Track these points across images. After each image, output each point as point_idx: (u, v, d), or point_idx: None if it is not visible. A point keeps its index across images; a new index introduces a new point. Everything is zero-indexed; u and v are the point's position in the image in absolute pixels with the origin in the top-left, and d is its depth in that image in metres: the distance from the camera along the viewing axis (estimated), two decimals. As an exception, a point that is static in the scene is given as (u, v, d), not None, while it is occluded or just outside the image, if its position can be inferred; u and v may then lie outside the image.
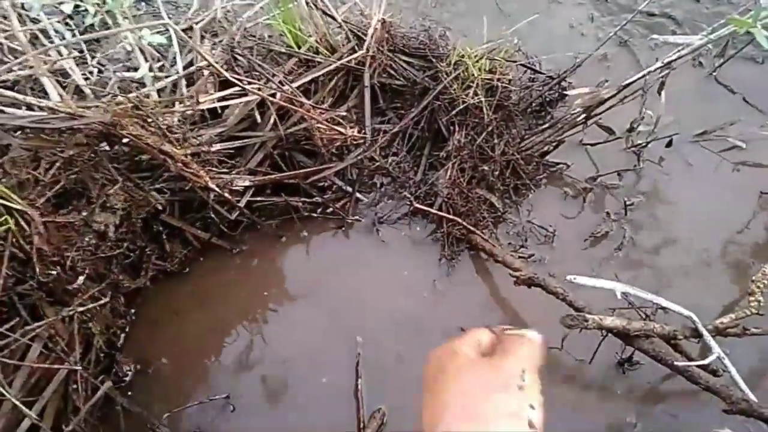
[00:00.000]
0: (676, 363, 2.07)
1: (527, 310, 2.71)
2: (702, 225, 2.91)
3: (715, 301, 2.62)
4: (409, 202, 2.96)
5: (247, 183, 2.82)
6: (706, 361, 2.08)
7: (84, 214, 2.43)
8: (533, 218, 3.01)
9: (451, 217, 2.88)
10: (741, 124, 3.20)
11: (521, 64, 3.39)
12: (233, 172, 2.82)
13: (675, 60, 2.71)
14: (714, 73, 3.49)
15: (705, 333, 2.14)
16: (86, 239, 2.42)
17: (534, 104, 3.34)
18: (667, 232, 2.92)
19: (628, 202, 2.98)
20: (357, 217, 3.06)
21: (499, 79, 3.09)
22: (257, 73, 2.93)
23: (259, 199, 2.94)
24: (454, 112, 3.06)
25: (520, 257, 2.84)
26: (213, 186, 2.61)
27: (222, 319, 2.81)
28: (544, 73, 3.39)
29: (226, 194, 2.72)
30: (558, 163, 3.16)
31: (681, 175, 3.10)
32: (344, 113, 3.04)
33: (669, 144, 3.11)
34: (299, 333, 2.73)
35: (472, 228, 2.85)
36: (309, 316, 2.78)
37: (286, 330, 2.75)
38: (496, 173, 3.03)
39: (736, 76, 3.46)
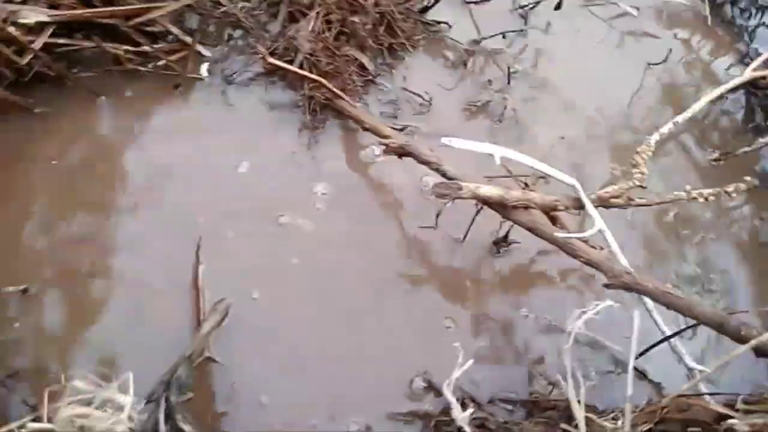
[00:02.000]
0: (556, 235, 1.84)
1: (394, 185, 2.38)
2: (587, 96, 2.69)
3: (599, 175, 2.44)
4: (262, 57, 2.43)
5: (42, 18, 2.13)
6: (587, 234, 1.88)
7: None
8: (408, 85, 2.62)
9: (313, 76, 2.41)
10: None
11: None
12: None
13: None
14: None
15: (587, 203, 1.93)
16: None
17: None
18: (551, 102, 2.67)
19: (511, 70, 2.68)
20: (198, 75, 2.49)
21: None
22: None
23: (62, 41, 2.26)
24: (318, -52, 2.51)
25: (392, 128, 2.46)
26: (-13, 15, 1.92)
27: (17, 199, 2.20)
28: None
29: (11, 30, 2.03)
30: (439, 22, 2.75)
31: (568, 42, 2.83)
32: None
33: (558, 6, 2.81)
34: (126, 221, 2.20)
35: (337, 91, 2.41)
36: (136, 199, 2.25)
37: (107, 218, 2.21)
38: (368, 28, 2.57)
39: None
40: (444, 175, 2.08)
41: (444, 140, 1.94)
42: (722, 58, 2.91)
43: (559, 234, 1.83)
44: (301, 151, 2.42)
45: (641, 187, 2.14)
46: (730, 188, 2.00)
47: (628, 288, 1.74)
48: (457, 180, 2.01)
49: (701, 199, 2.00)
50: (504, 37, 2.75)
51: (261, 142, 2.41)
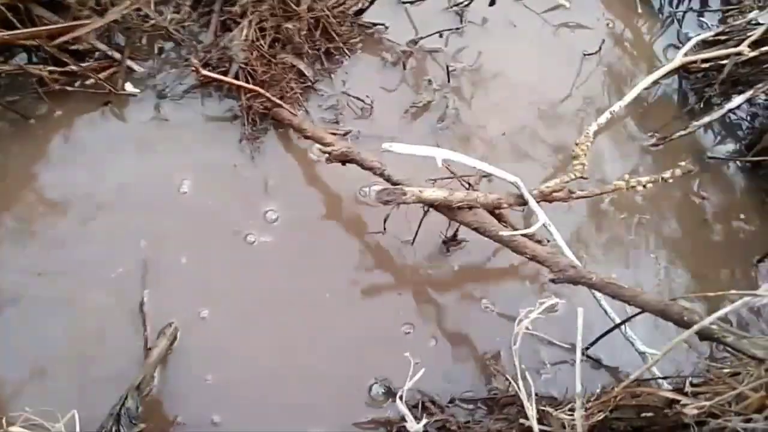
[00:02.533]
0: (501, 233, 1.85)
1: (341, 192, 2.36)
2: (527, 90, 2.71)
3: (540, 169, 2.47)
4: (194, 69, 2.36)
5: (-45, 42, 2.02)
6: (531, 230, 1.89)
7: None
8: (349, 89, 2.59)
9: (250, 86, 2.36)
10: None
11: None
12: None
13: None
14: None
15: (530, 198, 1.95)
16: None
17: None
18: (491, 99, 2.68)
19: (450, 68, 2.68)
20: (130, 91, 2.41)
21: None
22: None
23: (-20, 66, 2.16)
24: (247, -46, 2.46)
25: (333, 134, 2.43)
26: None
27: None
28: None
29: None
30: (375, 24, 2.73)
31: (504, 37, 2.84)
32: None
33: (492, 3, 2.82)
34: (65, 248, 2.12)
35: (276, 99, 2.37)
36: (75, 225, 2.17)
37: (44, 245, 2.12)
38: (304, 34, 2.53)
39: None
40: (388, 180, 2.07)
41: (385, 146, 1.92)
42: (655, 45, 2.97)
43: (504, 232, 1.84)
44: (244, 163, 2.37)
45: (583, 178, 2.18)
46: (667, 174, 2.05)
47: (573, 281, 1.76)
48: (401, 185, 2.00)
49: (640, 187, 2.04)
50: (441, 36, 2.74)
51: (201, 157, 2.35)
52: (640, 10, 3.02)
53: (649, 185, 2.04)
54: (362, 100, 2.56)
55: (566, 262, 1.79)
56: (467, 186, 2.02)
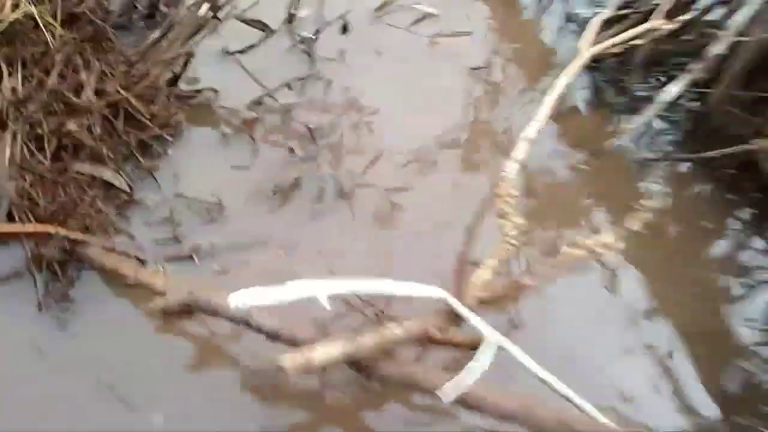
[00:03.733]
0: (443, 389, 1.22)
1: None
2: (414, 128, 2.12)
3: (458, 234, 1.86)
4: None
5: None
6: (481, 366, 1.26)
7: None
8: (184, 188, 1.88)
9: (29, 228, 1.61)
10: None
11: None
12: None
13: None
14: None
15: (467, 315, 1.33)
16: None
17: (141, 7, 2.12)
18: (374, 151, 2.05)
19: (312, 126, 2.03)
20: None
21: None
22: None
23: None
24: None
25: (173, 259, 1.72)
26: None
27: None
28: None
29: None
30: (199, 91, 2.03)
31: (373, 68, 2.24)
32: None
33: (344, 29, 2.20)
34: None
35: (75, 234, 1.63)
36: None
37: None
38: (99, 130, 1.80)
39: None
40: (260, 331, 1.39)
41: (231, 301, 1.24)
42: (546, 34, 2.46)
43: (447, 388, 1.20)
44: (49, 341, 1.60)
45: (514, 245, 1.59)
46: (632, 222, 1.50)
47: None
48: (278, 335, 1.33)
49: (609, 251, 1.48)
50: (290, 88, 2.08)
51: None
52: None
53: (617, 248, 1.48)
54: (204, 200, 1.86)
55: (553, 421, 1.18)
56: (375, 317, 1.37)
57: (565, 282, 1.76)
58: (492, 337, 1.28)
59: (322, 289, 1.22)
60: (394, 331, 1.28)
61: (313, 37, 2.20)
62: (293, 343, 1.33)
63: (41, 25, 1.77)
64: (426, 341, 1.40)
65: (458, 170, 2.09)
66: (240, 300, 1.22)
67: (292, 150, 2.01)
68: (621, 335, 1.79)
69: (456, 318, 1.36)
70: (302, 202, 1.94)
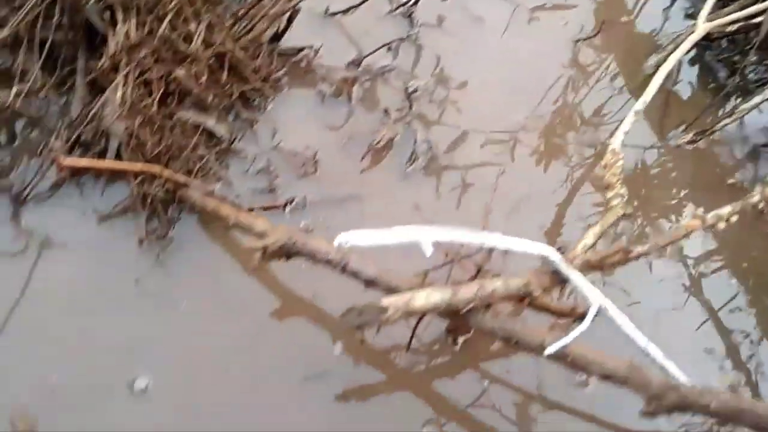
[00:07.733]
0: (545, 343, 1.18)
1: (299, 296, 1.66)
2: (509, 100, 2.07)
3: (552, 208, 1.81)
4: (53, 159, 1.65)
5: None
6: (584, 326, 1.22)
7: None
8: (281, 141, 1.91)
9: (137, 167, 1.66)
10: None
11: None
12: None
13: None
14: None
15: (573, 274, 1.28)
16: None
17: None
18: (471, 118, 2.02)
19: (410, 88, 2.02)
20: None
21: None
22: None
23: None
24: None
25: (268, 208, 1.75)
26: None
27: None
28: None
29: None
30: (300, 49, 2.05)
31: (470, 37, 2.20)
32: None
33: (446, -5, 2.18)
34: None
35: (179, 177, 1.68)
36: None
37: None
38: (205, 80, 1.84)
39: None
40: (356, 276, 1.39)
41: (339, 240, 1.24)
42: (656, 8, 2.35)
43: (550, 343, 1.16)
44: (148, 275, 1.66)
45: (626, 214, 1.54)
46: (756, 197, 1.41)
47: (679, 409, 1.10)
48: (376, 282, 1.33)
49: (722, 223, 1.39)
50: (389, 49, 2.08)
51: (85, 274, 1.64)
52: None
53: (733, 219, 1.39)
54: (300, 153, 1.88)
55: (660, 381, 1.12)
56: (475, 273, 1.34)
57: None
58: (599, 300, 1.23)
59: (428, 235, 1.21)
60: (495, 284, 1.25)
61: (414, 2, 2.17)
62: (390, 290, 1.33)
63: (158, -27, 1.83)
64: (522, 302, 1.36)
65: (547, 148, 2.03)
66: (346, 239, 1.22)
67: (386, 111, 2.01)
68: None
69: (558, 281, 1.32)
70: (394, 163, 1.94)
